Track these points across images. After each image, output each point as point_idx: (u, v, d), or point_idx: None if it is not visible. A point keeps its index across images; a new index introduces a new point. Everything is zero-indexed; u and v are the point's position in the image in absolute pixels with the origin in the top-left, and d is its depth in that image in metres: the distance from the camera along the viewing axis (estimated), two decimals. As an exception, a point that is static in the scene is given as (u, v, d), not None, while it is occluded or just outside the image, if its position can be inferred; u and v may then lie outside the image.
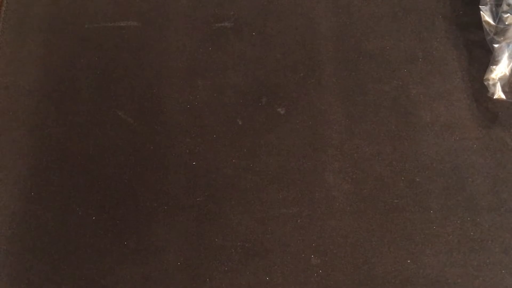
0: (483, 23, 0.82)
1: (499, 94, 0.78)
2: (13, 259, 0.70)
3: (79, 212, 0.73)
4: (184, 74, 0.82)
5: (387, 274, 0.70)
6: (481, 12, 0.82)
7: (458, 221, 0.73)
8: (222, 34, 0.85)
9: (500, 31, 0.80)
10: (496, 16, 0.81)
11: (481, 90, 0.81)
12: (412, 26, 0.86)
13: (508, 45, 0.80)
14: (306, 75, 0.83)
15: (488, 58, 0.81)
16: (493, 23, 0.81)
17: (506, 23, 0.80)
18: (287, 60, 0.84)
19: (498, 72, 0.79)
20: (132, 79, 0.82)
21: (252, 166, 0.76)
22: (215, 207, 0.74)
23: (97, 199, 0.74)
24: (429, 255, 0.71)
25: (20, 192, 0.74)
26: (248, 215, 0.73)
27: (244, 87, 0.82)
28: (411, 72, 0.83)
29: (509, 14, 0.80)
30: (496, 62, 0.79)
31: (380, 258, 0.71)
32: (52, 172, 0.75)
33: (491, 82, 0.79)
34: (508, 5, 0.80)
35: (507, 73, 0.79)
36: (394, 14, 0.87)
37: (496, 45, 0.80)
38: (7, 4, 0.87)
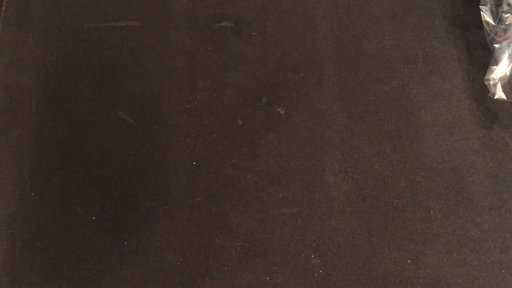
0: (483, 23, 0.82)
1: (499, 94, 0.78)
2: (13, 259, 0.70)
3: (79, 212, 0.73)
4: (184, 74, 0.82)
5: (387, 274, 0.70)
6: (481, 12, 0.82)
7: (458, 221, 0.73)
8: (222, 34, 0.85)
9: (500, 31, 0.80)
10: (496, 16, 0.81)
11: (481, 90, 0.81)
12: (412, 26, 0.86)
13: (509, 45, 0.80)
14: (306, 75, 0.83)
15: (488, 58, 0.81)
16: (493, 23, 0.81)
17: (506, 23, 0.80)
18: (287, 60, 0.84)
19: (498, 72, 0.79)
20: (132, 79, 0.82)
21: (252, 166, 0.76)
22: (215, 207, 0.74)
23: (97, 199, 0.74)
24: (429, 255, 0.71)
25: (20, 192, 0.74)
26: (248, 215, 0.73)
27: (244, 87, 0.82)
28: (411, 72, 0.83)
29: (509, 14, 0.80)
30: (496, 62, 0.79)
31: (380, 258, 0.71)
32: (52, 172, 0.75)
33: (491, 82, 0.79)
34: (508, 5, 0.80)
35: (508, 73, 0.79)
36: (394, 14, 0.87)
37: (496, 45, 0.80)
38: (7, 4, 0.87)
